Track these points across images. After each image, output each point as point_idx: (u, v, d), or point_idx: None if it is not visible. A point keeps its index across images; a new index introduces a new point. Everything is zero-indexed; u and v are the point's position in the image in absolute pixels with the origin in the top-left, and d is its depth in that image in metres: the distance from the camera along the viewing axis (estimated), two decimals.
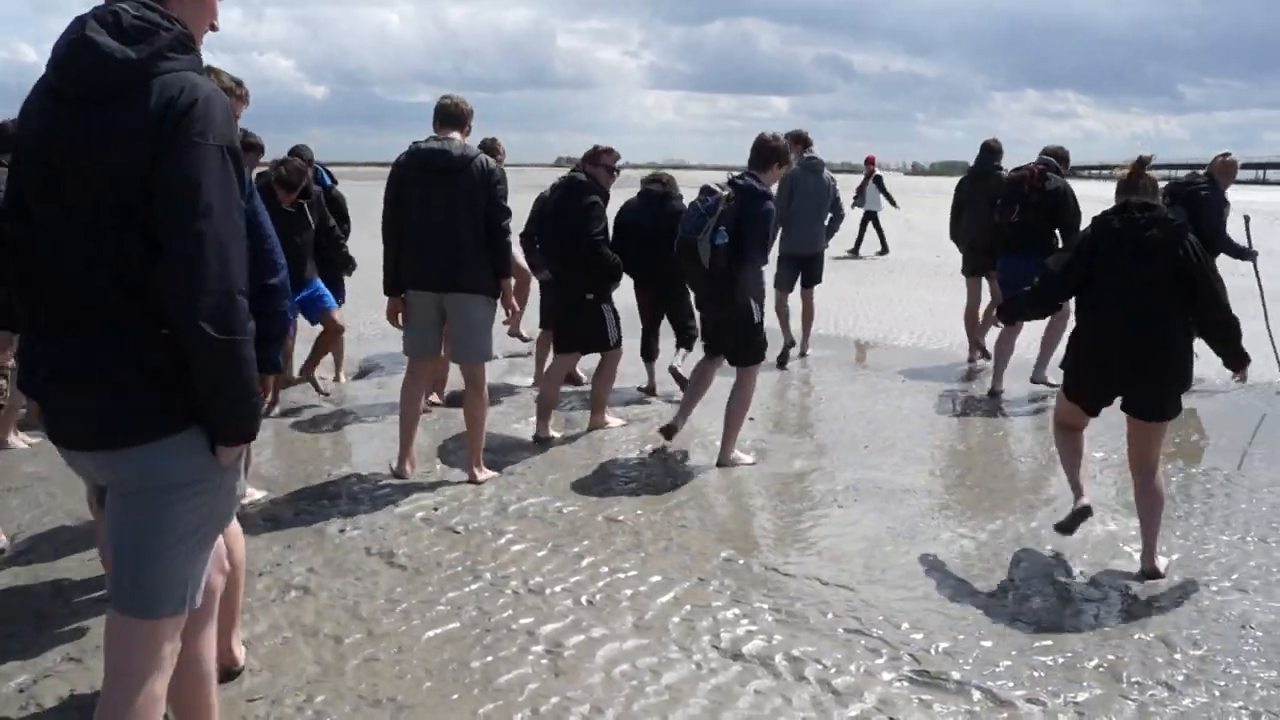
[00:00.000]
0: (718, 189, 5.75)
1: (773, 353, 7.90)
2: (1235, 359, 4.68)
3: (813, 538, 4.91)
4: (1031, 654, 3.75)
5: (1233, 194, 8.74)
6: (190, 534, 2.32)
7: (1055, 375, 6.33)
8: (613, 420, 6.88)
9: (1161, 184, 6.03)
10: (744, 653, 3.73)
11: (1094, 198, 8.66)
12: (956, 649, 3.78)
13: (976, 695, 3.46)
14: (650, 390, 7.80)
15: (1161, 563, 4.52)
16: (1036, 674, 3.61)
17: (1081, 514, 4.58)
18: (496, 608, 4.06)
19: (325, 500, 5.30)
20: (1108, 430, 6.08)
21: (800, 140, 9.16)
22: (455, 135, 5.46)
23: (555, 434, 6.56)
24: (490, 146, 7.29)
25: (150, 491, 2.26)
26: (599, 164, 6.51)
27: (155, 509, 2.27)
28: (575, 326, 6.55)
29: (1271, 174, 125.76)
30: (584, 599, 4.14)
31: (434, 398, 7.22)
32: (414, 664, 3.60)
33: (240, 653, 3.51)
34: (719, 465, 6.01)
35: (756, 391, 6.20)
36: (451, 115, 5.48)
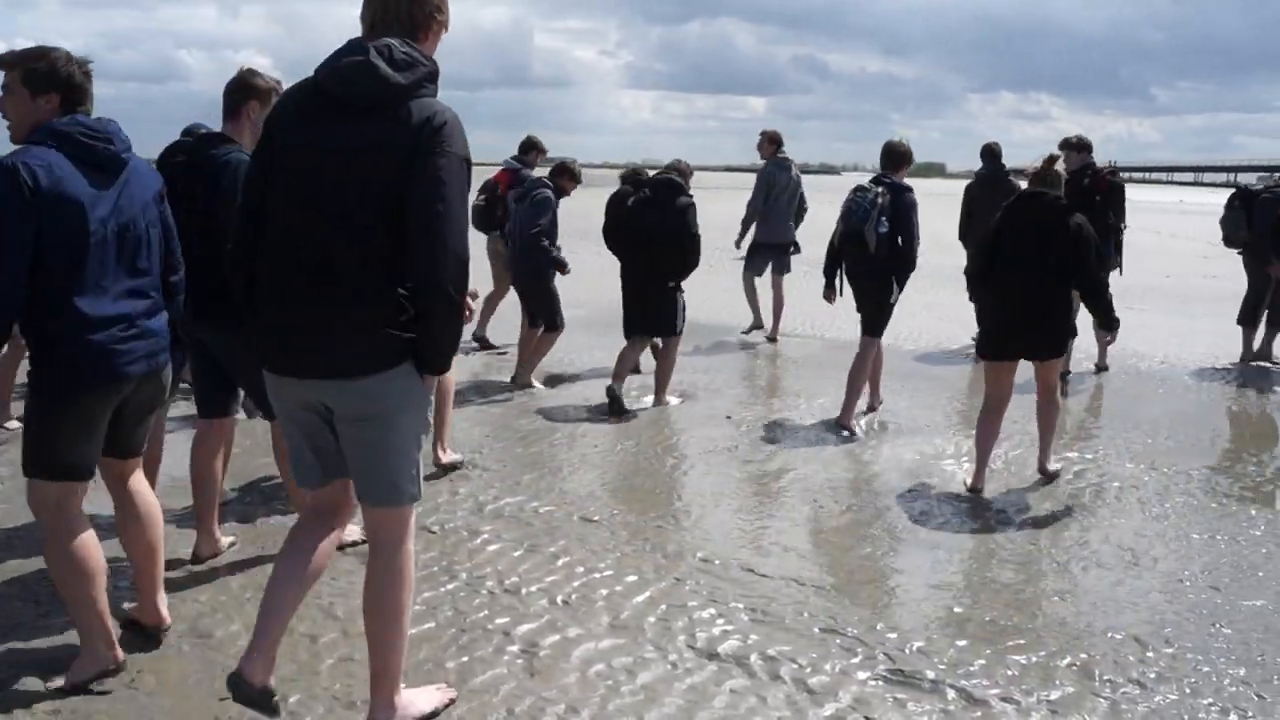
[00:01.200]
0: (870, 188, 6.90)
1: (741, 328, 10.45)
2: (1104, 318, 5.78)
3: (789, 538, 4.93)
4: (1005, 653, 3.78)
5: (1204, 197, 8.86)
6: (413, 439, 2.94)
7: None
8: (671, 399, 7.67)
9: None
10: (719, 652, 3.73)
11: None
12: (931, 648, 3.80)
13: (951, 694, 3.47)
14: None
15: (1054, 465, 5.94)
16: (1010, 673, 3.63)
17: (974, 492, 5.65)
18: (472, 608, 4.05)
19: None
20: (1088, 438, 6.12)
21: (775, 141, 10.26)
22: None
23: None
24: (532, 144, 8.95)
25: (385, 412, 2.86)
26: (685, 173, 7.70)
27: (390, 425, 2.88)
28: (650, 312, 7.46)
29: (1243, 177, 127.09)
30: (559, 599, 4.13)
31: None
32: None
33: (165, 612, 3.71)
34: (838, 423, 6.95)
35: (733, 392, 6.25)
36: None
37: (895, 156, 7.00)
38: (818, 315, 12.09)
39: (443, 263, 2.75)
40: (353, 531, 4.54)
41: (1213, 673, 3.67)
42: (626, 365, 7.51)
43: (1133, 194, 10.31)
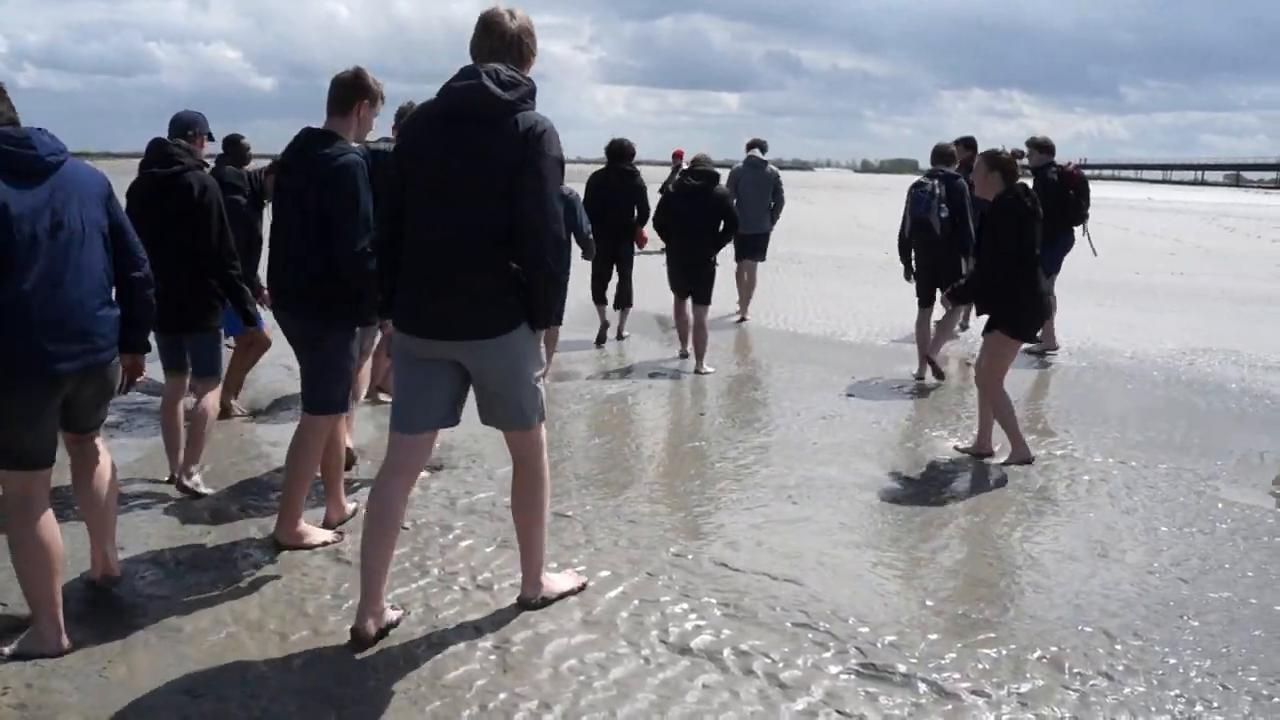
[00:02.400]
0: (926, 181, 8.26)
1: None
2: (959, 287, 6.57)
3: (761, 533, 4.94)
4: (976, 646, 3.80)
5: (1172, 194, 9.10)
6: (533, 376, 3.76)
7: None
8: (708, 367, 8.69)
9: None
10: (692, 647, 3.74)
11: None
12: (903, 642, 3.81)
13: (922, 688, 3.49)
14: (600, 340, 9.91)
15: (997, 445, 6.24)
16: (981, 666, 3.65)
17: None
18: (444, 604, 4.03)
19: (272, 495, 5.23)
20: (1081, 433, 6.15)
21: (753, 144, 11.35)
22: None
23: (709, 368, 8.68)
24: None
25: (513, 360, 3.67)
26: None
27: (517, 370, 3.70)
28: (705, 284, 8.70)
29: (1210, 175, 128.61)
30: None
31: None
32: (360, 660, 3.57)
33: (115, 563, 4.07)
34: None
35: (709, 386, 6.25)
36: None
37: (944, 156, 8.51)
38: (792, 311, 12.15)
39: (546, 244, 3.52)
40: (321, 534, 4.56)
41: (1179, 665, 3.71)
42: (684, 325, 9.00)
43: (1102, 191, 10.58)
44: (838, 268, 17.18)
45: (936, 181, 8.20)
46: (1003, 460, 6.13)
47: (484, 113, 3.49)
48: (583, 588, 4.17)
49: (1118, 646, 3.83)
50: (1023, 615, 4.08)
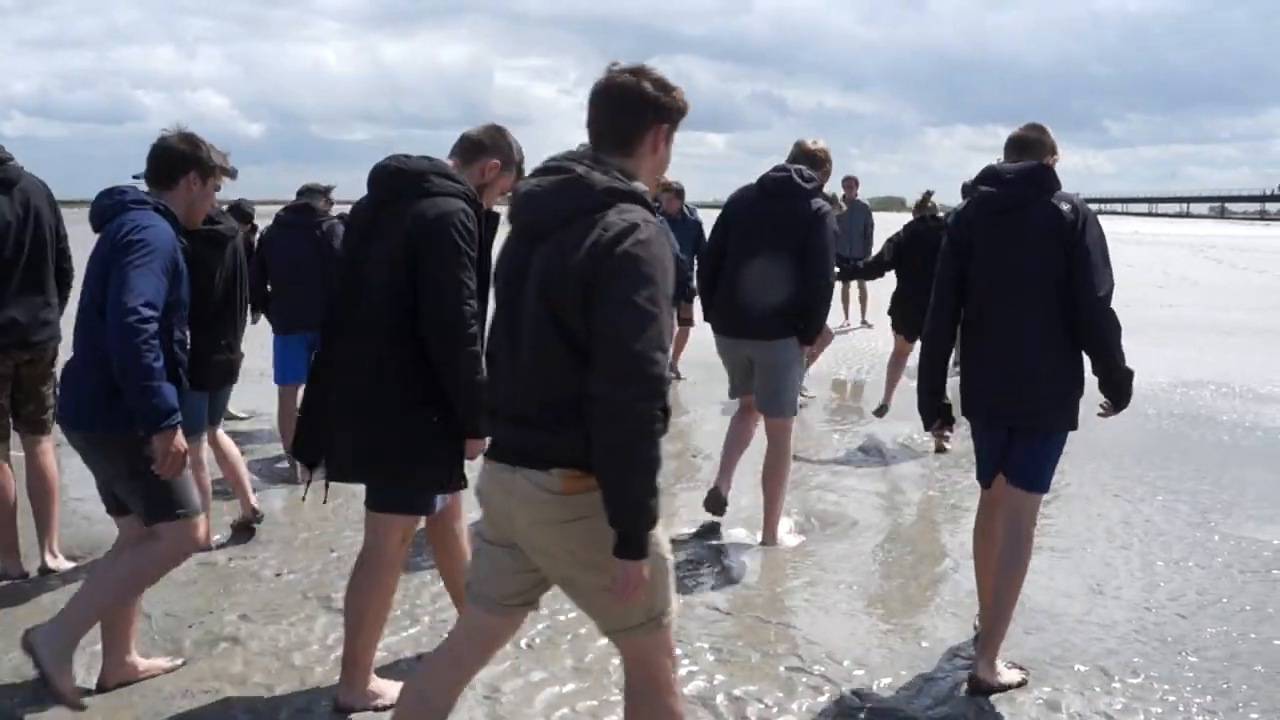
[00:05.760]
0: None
1: None
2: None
3: (754, 577, 4.89)
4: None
5: (1158, 227, 9.05)
6: (796, 379, 5.36)
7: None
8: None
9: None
10: (685, 694, 3.68)
11: None
12: (899, 684, 3.76)
13: None
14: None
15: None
16: (979, 707, 3.60)
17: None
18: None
19: (259, 543, 5.17)
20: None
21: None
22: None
23: None
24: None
25: (786, 360, 5.22)
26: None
27: (786, 368, 5.24)
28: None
29: (1195, 208, 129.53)
30: (523, 642, 4.06)
31: None
32: (349, 713, 3.51)
33: (52, 558, 4.78)
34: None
35: (707, 427, 6.21)
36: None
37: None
38: None
39: (820, 287, 5.20)
40: None
41: (1179, 702, 3.67)
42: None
43: None
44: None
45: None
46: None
47: (791, 193, 5.23)
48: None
49: (1115, 684, 3.78)
50: (1019, 656, 4.03)
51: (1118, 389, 3.76)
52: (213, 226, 4.58)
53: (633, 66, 2.55)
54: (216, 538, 5.15)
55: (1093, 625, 4.32)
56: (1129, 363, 3.73)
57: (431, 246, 3.26)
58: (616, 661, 3.89)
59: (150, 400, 3.20)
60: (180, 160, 3.60)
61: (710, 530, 5.55)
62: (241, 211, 7.49)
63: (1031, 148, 3.88)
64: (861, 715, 3.54)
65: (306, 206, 6.61)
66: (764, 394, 5.32)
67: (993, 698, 3.66)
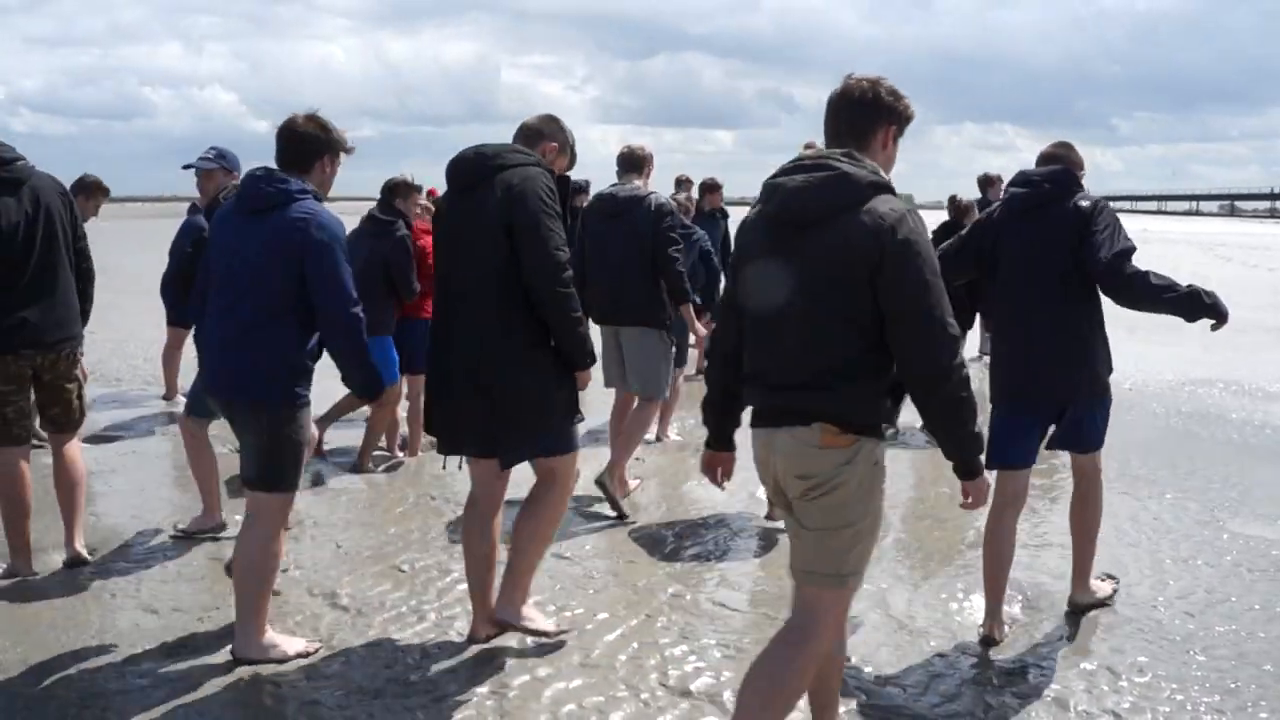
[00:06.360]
0: None
1: None
2: None
3: (761, 572, 4.89)
4: (982, 686, 3.75)
5: (1166, 224, 9.03)
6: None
7: None
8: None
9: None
10: (692, 690, 3.68)
11: None
12: (906, 682, 3.76)
13: None
14: None
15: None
16: (986, 705, 3.60)
17: None
18: (441, 650, 3.98)
19: None
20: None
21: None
22: (635, 179, 6.01)
23: None
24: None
25: None
26: None
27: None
28: None
29: (1204, 206, 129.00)
30: (529, 639, 4.07)
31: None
32: (356, 708, 3.52)
33: (80, 548, 4.79)
34: None
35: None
36: (629, 161, 6.03)
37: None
38: None
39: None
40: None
41: (1186, 701, 3.66)
42: None
43: None
44: None
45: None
46: None
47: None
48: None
49: (1122, 683, 3.77)
50: (1027, 654, 4.03)
51: (1192, 308, 4.05)
52: None
53: (869, 76, 2.91)
54: (226, 531, 5.16)
55: (1100, 623, 4.31)
56: (1142, 361, 3.84)
57: (525, 206, 3.71)
58: (623, 658, 3.91)
59: (370, 374, 3.84)
60: (316, 144, 3.85)
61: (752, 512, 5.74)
62: None
63: (1059, 162, 4.26)
64: (869, 712, 3.54)
65: (390, 209, 6.55)
66: None
67: (1001, 696, 3.66)
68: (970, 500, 2.91)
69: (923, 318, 2.67)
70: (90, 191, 7.43)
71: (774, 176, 2.88)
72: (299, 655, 3.83)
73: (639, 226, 5.76)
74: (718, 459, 3.16)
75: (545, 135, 4.15)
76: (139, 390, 9.28)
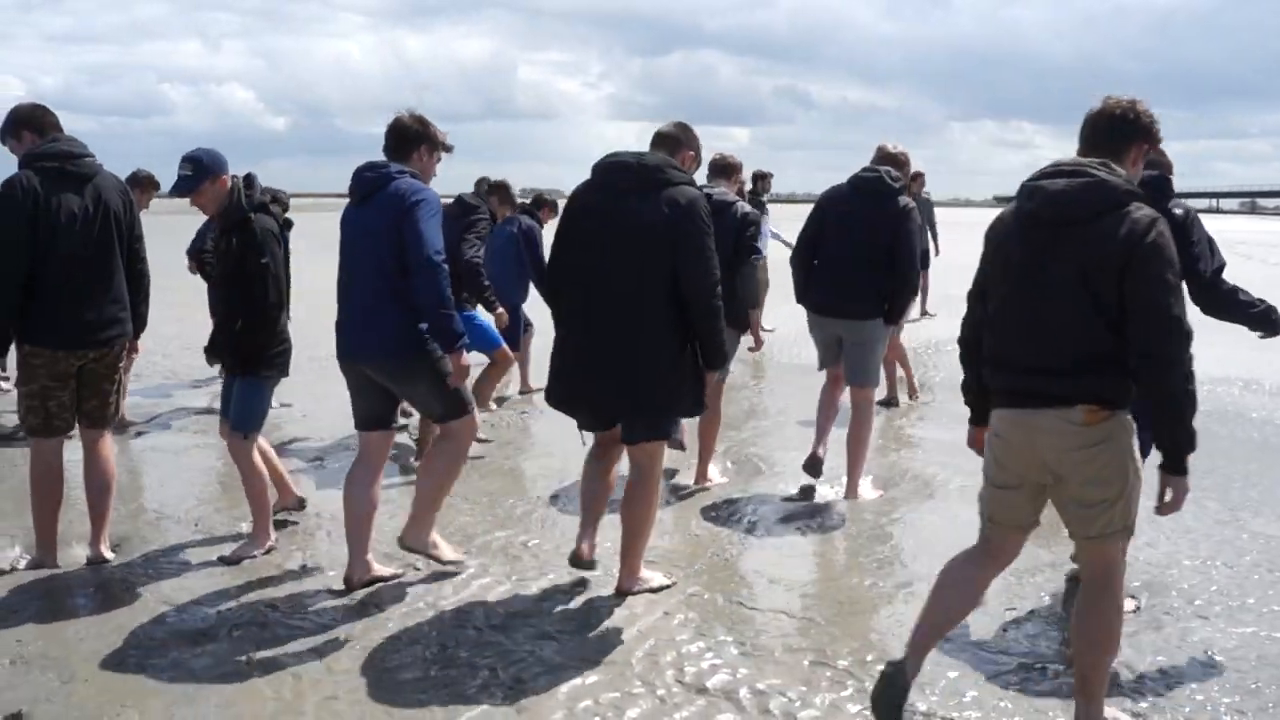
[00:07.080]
0: None
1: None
2: None
3: (777, 570, 4.88)
4: (997, 684, 3.73)
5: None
6: (881, 356, 6.03)
7: None
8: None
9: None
10: (708, 687, 3.68)
11: None
12: (922, 679, 3.74)
13: None
14: None
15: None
16: (1002, 704, 3.59)
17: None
18: (458, 644, 3.99)
19: (284, 535, 5.20)
20: None
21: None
22: (723, 184, 6.13)
23: None
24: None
25: (873, 338, 5.86)
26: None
27: (873, 345, 5.89)
28: None
29: (1225, 203, 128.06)
30: (547, 634, 4.08)
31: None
32: (373, 702, 3.54)
33: (105, 549, 4.80)
34: None
35: (730, 431, 6.23)
36: (720, 168, 6.21)
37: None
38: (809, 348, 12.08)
39: (908, 275, 5.84)
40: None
41: (1206, 701, 3.64)
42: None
43: None
44: None
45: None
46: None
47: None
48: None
49: (1142, 685, 3.75)
50: (1043, 652, 4.01)
51: (1266, 323, 4.94)
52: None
53: (1127, 98, 3.32)
54: (243, 526, 5.19)
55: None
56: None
57: (693, 226, 4.12)
58: (640, 654, 3.91)
59: (451, 325, 4.19)
60: (413, 136, 4.46)
61: (807, 492, 6.03)
62: (278, 201, 7.56)
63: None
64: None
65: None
66: (853, 367, 5.98)
67: (1017, 694, 3.64)
68: (1169, 499, 3.20)
69: (1162, 313, 2.98)
70: (144, 186, 7.54)
71: (1034, 179, 3.19)
72: (450, 563, 4.67)
73: (723, 236, 5.75)
74: (982, 433, 3.51)
75: (684, 144, 4.64)
76: (158, 383, 9.35)
